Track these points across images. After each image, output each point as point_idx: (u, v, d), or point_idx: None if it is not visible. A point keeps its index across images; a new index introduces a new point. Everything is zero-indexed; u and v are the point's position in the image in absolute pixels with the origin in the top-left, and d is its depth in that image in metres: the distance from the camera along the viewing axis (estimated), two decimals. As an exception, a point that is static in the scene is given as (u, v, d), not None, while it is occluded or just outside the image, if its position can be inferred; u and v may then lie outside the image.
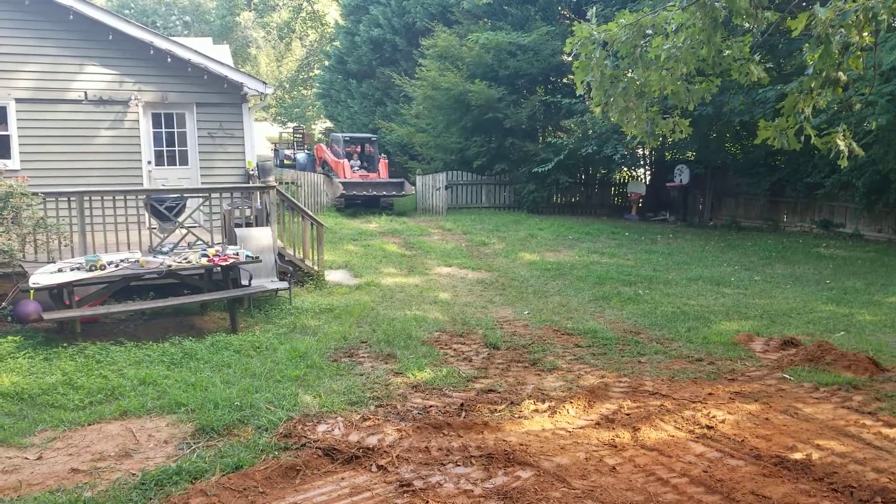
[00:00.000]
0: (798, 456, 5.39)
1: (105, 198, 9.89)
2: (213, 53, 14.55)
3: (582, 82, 7.62)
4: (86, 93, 12.70)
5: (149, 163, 13.34)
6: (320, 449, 5.43)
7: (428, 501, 4.69)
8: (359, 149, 22.96)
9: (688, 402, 6.62)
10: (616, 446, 5.63)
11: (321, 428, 5.93)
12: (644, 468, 5.23)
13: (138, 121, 13.10)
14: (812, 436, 5.83)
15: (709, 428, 6.00)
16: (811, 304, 10.89)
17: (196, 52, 13.23)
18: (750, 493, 4.80)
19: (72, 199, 9.82)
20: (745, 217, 21.15)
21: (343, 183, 20.48)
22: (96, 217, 9.85)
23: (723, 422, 6.14)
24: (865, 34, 5.91)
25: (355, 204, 21.19)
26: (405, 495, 4.79)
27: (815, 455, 5.41)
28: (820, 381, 7.20)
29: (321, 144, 24.28)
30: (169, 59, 12.87)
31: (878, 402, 6.64)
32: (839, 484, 4.90)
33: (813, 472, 5.09)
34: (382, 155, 23.07)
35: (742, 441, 5.72)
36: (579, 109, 20.77)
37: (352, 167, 21.62)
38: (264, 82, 13.98)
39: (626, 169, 24.81)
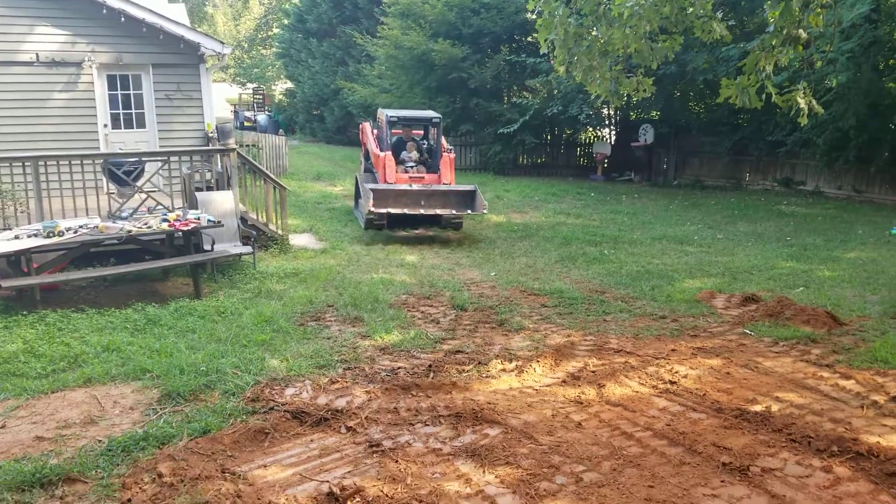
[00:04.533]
0: (758, 408, 5.52)
1: (61, 162, 9.63)
2: (168, 13, 14.12)
3: (546, 40, 7.58)
4: (37, 54, 12.28)
5: (105, 126, 13.01)
6: (289, 412, 5.43)
7: (398, 461, 4.73)
8: (422, 133, 14.96)
9: (651, 359, 6.74)
10: (582, 403, 5.72)
11: (289, 391, 5.92)
12: (609, 423, 5.32)
13: (93, 83, 12.74)
14: (771, 389, 5.98)
15: (672, 383, 6.12)
16: (772, 261, 11.09)
17: (150, 11, 12.83)
18: (711, 444, 4.92)
19: (26, 164, 9.54)
20: (708, 176, 21.38)
21: (376, 191, 12.47)
22: (52, 182, 9.59)
23: (685, 377, 6.26)
24: (826, -9, 5.93)
25: (398, 224, 13.45)
26: (375, 455, 4.82)
27: (775, 407, 5.55)
28: (779, 336, 7.36)
29: (367, 124, 15.57)
30: (122, 19, 12.47)
31: (835, 354, 6.81)
32: (797, 434, 5.04)
33: (772, 424, 5.23)
34: (448, 148, 14.06)
35: (704, 395, 5.84)
36: (544, 69, 20.69)
37: (404, 165, 13.80)
38: (222, 42, 13.66)
39: (591, 129, 24.86)
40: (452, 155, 13.87)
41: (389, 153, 13.53)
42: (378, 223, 13.04)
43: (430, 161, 14.05)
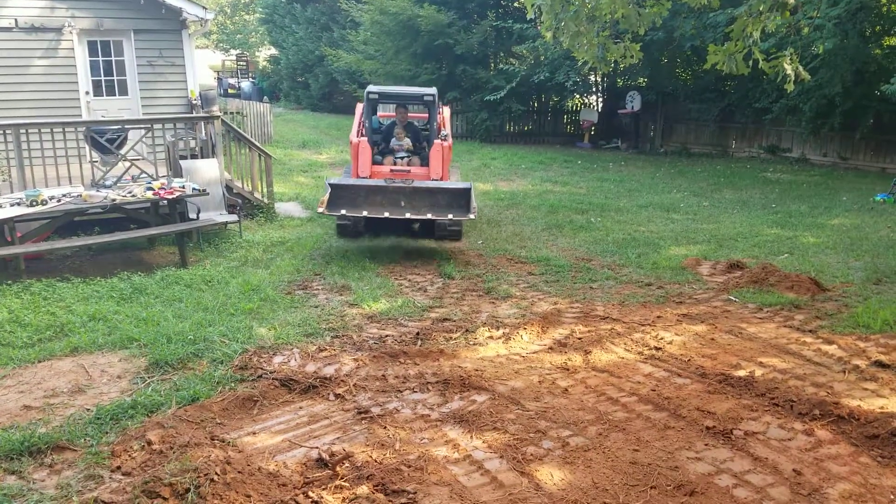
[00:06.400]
0: (741, 373, 5.59)
1: (43, 130, 9.50)
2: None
3: (533, 6, 7.50)
4: (16, 20, 12.03)
5: (87, 93, 12.81)
6: (277, 380, 5.45)
7: (386, 427, 4.76)
8: (426, 116, 11.65)
9: (637, 325, 6.79)
10: (568, 369, 5.77)
11: (277, 359, 5.94)
12: (595, 389, 5.38)
13: (73, 49, 12.51)
14: (755, 354, 6.05)
15: (657, 349, 6.18)
16: (757, 228, 11.16)
17: (131, -25, 12.60)
18: (695, 409, 4.99)
19: (7, 132, 9.40)
20: (695, 143, 21.38)
21: (336, 186, 9.49)
22: (35, 151, 9.47)
23: (670, 343, 6.32)
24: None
25: (381, 229, 10.34)
26: (363, 422, 4.85)
27: (758, 372, 5.63)
28: (764, 302, 7.44)
29: (361, 104, 11.54)
30: (102, -17, 12.25)
31: (818, 320, 6.90)
32: (780, 398, 5.12)
33: (755, 388, 5.30)
34: (444, 133, 10.96)
35: (688, 360, 5.91)
36: (531, 35, 20.50)
37: (393, 154, 10.89)
38: (204, 7, 13.43)
39: (578, 96, 24.74)
40: (448, 142, 10.81)
41: (364, 140, 10.50)
42: (353, 229, 10.03)
43: (418, 148, 11.09)
